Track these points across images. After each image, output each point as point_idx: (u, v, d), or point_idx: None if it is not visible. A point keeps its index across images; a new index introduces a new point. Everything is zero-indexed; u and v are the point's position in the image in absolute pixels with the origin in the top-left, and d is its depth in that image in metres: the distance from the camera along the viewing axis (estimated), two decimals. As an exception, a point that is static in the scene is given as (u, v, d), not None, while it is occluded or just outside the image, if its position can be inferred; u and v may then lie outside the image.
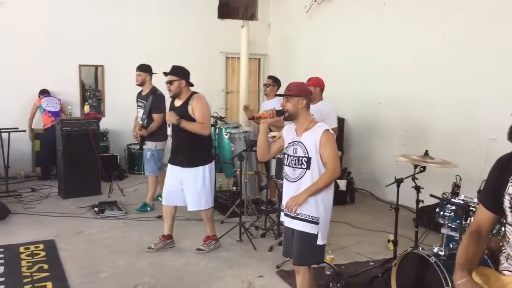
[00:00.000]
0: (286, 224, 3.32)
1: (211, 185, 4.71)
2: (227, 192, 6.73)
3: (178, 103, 4.59)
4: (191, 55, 8.73)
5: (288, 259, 3.98)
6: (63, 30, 8.22)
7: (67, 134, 6.72)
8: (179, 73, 4.53)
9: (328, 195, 3.22)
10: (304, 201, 3.10)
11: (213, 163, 4.75)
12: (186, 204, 4.72)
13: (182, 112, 4.50)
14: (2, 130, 6.80)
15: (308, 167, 3.14)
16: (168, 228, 4.90)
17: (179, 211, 5.01)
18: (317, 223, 3.14)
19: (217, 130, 6.73)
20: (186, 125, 4.47)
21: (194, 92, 4.60)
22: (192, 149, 4.59)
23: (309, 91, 3.39)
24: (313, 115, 3.53)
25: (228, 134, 6.39)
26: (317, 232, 3.14)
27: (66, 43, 8.24)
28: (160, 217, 5.44)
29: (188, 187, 4.63)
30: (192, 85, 4.63)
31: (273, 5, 9.95)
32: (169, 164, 4.74)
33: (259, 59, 10.17)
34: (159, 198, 5.62)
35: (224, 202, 6.40)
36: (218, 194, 6.69)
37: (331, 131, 3.20)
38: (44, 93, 7.93)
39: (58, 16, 8.20)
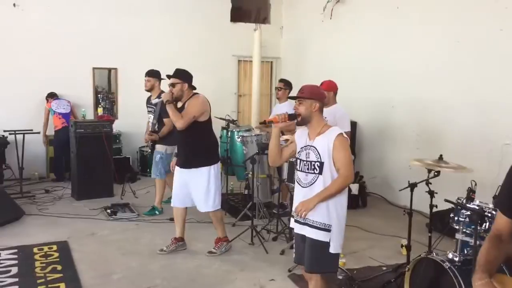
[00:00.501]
0: (296, 231, 3.27)
1: (217, 186, 4.71)
2: (239, 195, 6.73)
3: (179, 105, 4.58)
4: (204, 58, 8.79)
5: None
6: (77, 33, 8.31)
7: (81, 137, 6.78)
8: (182, 76, 4.54)
9: (341, 202, 3.13)
10: (314, 206, 3.01)
11: (218, 164, 4.73)
12: (198, 206, 4.73)
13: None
14: (17, 132, 6.88)
15: (320, 172, 3.07)
16: (180, 231, 4.91)
17: (190, 214, 5.02)
18: (329, 231, 3.06)
19: (229, 133, 6.73)
20: (168, 109, 4.44)
21: (195, 93, 4.61)
22: (195, 150, 4.59)
23: (322, 94, 3.30)
24: (326, 118, 3.51)
25: (240, 137, 6.39)
26: (329, 240, 3.06)
27: (80, 46, 8.33)
28: (172, 219, 5.45)
29: (194, 188, 4.64)
30: (194, 88, 4.63)
31: (286, 8, 9.96)
32: (176, 167, 4.76)
33: (271, 62, 10.18)
34: (171, 200, 5.63)
35: (236, 205, 6.40)
36: (230, 197, 6.70)
37: (345, 135, 3.13)
38: (52, 96, 7.99)
39: (72, 19, 8.29)
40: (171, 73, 4.59)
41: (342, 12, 8.09)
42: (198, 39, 9.13)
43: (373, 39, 7.43)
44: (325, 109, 3.46)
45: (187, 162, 4.62)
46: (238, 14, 9.45)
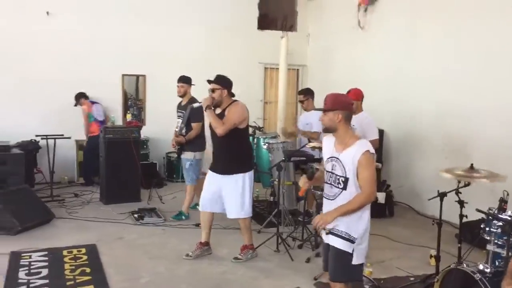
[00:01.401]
0: (323, 239, 3.26)
1: (250, 193, 4.73)
2: (265, 202, 6.74)
3: (218, 111, 4.62)
4: (231, 65, 8.80)
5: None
6: (107, 40, 8.50)
7: (110, 142, 6.91)
8: (223, 82, 4.59)
9: (364, 214, 3.08)
10: (333, 220, 3.00)
11: (252, 172, 4.76)
12: (225, 211, 4.75)
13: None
14: (48, 137, 7.05)
15: (344, 188, 3.04)
16: (206, 235, 4.94)
17: (216, 220, 5.05)
18: (352, 242, 3.02)
19: (255, 140, 6.76)
20: (209, 115, 4.51)
21: (235, 100, 4.65)
22: (233, 157, 4.62)
23: (347, 102, 3.19)
24: (353, 125, 3.48)
25: (266, 144, 6.41)
26: (352, 251, 3.02)
27: (109, 53, 8.52)
28: (198, 225, 5.49)
29: (227, 195, 4.65)
30: (233, 95, 4.68)
31: (313, 15, 9.96)
32: (209, 171, 4.79)
33: (298, 69, 10.19)
34: (196, 206, 5.68)
35: (261, 212, 6.40)
36: (255, 204, 6.70)
37: (372, 152, 3.05)
38: (84, 97, 8.10)
39: (103, 27, 8.49)
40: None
41: (371, 19, 8.04)
42: (225, 46, 9.22)
43: (400, 47, 7.36)
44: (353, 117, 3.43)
45: (223, 168, 4.65)
46: (265, 22, 9.50)
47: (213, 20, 9.17)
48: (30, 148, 7.58)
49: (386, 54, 7.70)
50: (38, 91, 8.10)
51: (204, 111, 4.71)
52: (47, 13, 8.14)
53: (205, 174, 4.98)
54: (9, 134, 7.40)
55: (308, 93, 6.29)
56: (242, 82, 9.01)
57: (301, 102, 6.31)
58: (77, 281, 4.22)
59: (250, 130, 6.79)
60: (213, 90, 4.55)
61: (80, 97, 8.08)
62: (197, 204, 5.69)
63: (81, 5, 8.37)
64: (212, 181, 4.73)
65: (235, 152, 4.62)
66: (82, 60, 8.35)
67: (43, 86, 8.11)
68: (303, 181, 3.31)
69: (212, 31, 9.15)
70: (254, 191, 6.76)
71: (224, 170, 4.64)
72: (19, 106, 8.00)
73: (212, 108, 4.53)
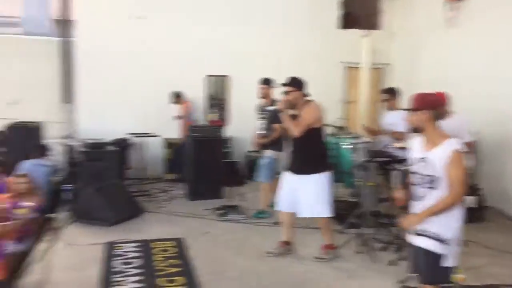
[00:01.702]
0: (410, 240, 3.19)
1: (328, 193, 4.72)
2: (346, 203, 6.66)
3: (294, 112, 4.65)
4: (311, 65, 8.83)
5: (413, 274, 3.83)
6: (193, 42, 8.86)
7: (197, 140, 7.18)
8: (296, 84, 4.64)
9: (456, 214, 3.00)
10: (421, 222, 2.95)
11: (330, 172, 4.75)
12: (304, 211, 4.76)
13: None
14: (139, 135, 7.47)
15: (433, 188, 2.98)
16: (287, 235, 5.00)
17: (298, 218, 5.07)
18: (443, 243, 2.95)
19: (336, 140, 6.70)
20: (283, 117, 4.59)
21: (309, 100, 4.67)
22: (310, 157, 4.65)
23: (435, 101, 3.12)
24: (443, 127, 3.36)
25: (349, 144, 6.34)
26: (443, 252, 2.96)
27: (195, 54, 8.86)
28: (277, 223, 5.56)
29: (304, 194, 4.67)
30: (308, 95, 4.69)
31: (399, 13, 9.67)
32: (286, 171, 4.84)
33: (381, 68, 9.95)
34: (272, 206, 5.75)
35: (343, 213, 6.32)
36: (337, 204, 6.64)
37: (462, 150, 2.97)
38: (180, 96, 8.48)
39: (190, 29, 8.85)
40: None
41: (461, 16, 7.67)
42: (305, 46, 9.23)
43: (491, 47, 6.97)
44: (442, 121, 3.32)
45: (300, 168, 4.69)
46: (348, 21, 9.38)
47: (293, 21, 9.23)
48: (123, 146, 8.07)
49: (476, 52, 7.30)
50: (128, 92, 8.62)
51: (279, 114, 4.76)
52: (138, 17, 8.62)
53: (280, 174, 5.04)
54: (105, 132, 7.92)
55: (391, 92, 6.14)
56: (322, 82, 9.07)
57: (385, 101, 6.17)
58: (168, 271, 4.45)
59: (331, 130, 6.78)
60: (287, 93, 4.62)
61: (179, 96, 8.47)
62: (272, 204, 5.77)
63: (168, 9, 8.79)
64: (289, 181, 4.78)
65: (311, 152, 4.65)
66: (169, 61, 8.75)
67: (133, 87, 8.62)
68: (399, 193, 3.24)
69: (293, 32, 9.21)
70: (335, 192, 6.74)
71: (300, 170, 4.68)
72: (115, 106, 8.57)
73: (287, 110, 4.59)
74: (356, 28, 9.39)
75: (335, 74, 9.66)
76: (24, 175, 5.04)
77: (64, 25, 8.66)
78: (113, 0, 8.65)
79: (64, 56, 8.36)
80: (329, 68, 9.43)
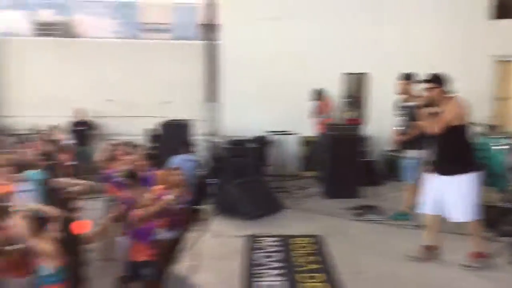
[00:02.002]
0: None
1: (477, 195, 4.41)
2: (498, 208, 6.12)
3: (435, 109, 4.47)
4: (456, 59, 8.29)
5: None
6: (329, 40, 8.87)
7: (334, 138, 7.19)
8: (438, 80, 4.49)
9: None
10: None
11: (479, 172, 4.45)
12: (449, 214, 4.52)
13: None
14: (278, 133, 7.71)
15: None
16: (432, 239, 4.77)
17: (443, 222, 4.81)
18: None
19: (487, 140, 6.20)
20: (424, 114, 4.51)
21: (451, 97, 4.45)
22: (455, 156, 4.43)
23: None
24: None
25: (500, 145, 5.84)
26: None
27: (330, 52, 8.85)
28: (418, 226, 5.33)
29: (450, 197, 4.44)
30: (451, 91, 4.47)
31: None
32: (431, 173, 4.63)
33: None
34: (413, 208, 5.51)
35: (495, 219, 5.83)
36: (488, 210, 6.14)
37: None
38: (321, 93, 8.57)
39: (325, 28, 8.88)
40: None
41: None
42: (447, 40, 8.73)
43: None
44: None
45: (446, 168, 4.48)
46: (503, 11, 8.60)
47: (435, 14, 8.80)
48: (262, 143, 8.38)
49: None
50: (266, 92, 8.91)
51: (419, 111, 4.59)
52: (275, 18, 8.88)
53: (423, 174, 4.81)
54: (246, 130, 8.31)
55: None
56: (468, 78, 8.40)
57: None
58: (309, 267, 4.55)
59: (480, 129, 6.29)
60: (428, 89, 4.46)
61: (320, 93, 8.59)
62: (413, 206, 5.53)
63: (306, 9, 8.90)
64: (434, 182, 4.57)
65: (455, 151, 4.42)
66: (306, 61, 8.87)
67: (271, 87, 8.90)
68: None
69: (435, 25, 8.78)
70: (485, 196, 6.25)
71: (446, 171, 4.46)
72: (255, 105, 8.94)
73: (427, 107, 4.44)
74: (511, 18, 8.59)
75: (483, 68, 8.92)
76: (177, 169, 5.52)
77: (209, 29, 9.33)
78: (256, 4, 9.03)
79: (210, 58, 9.00)
80: (476, 62, 8.75)
